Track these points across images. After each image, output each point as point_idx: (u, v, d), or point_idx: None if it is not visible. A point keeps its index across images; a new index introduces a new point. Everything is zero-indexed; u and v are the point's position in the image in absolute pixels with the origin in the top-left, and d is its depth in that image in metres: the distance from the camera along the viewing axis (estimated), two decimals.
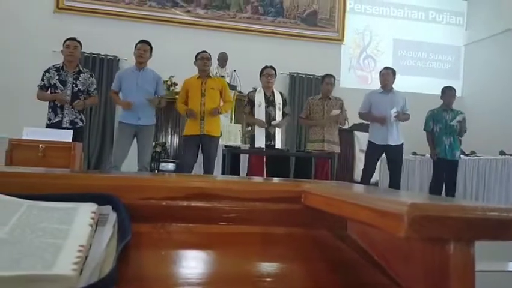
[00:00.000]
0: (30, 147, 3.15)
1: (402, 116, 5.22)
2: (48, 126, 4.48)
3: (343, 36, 8.93)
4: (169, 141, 7.30)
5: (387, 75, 5.30)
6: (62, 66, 4.60)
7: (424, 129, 5.71)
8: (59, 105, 4.51)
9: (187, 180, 0.80)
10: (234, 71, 7.13)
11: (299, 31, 8.67)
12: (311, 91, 8.18)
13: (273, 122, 5.05)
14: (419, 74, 9.27)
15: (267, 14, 8.58)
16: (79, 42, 4.68)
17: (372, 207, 0.48)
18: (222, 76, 6.53)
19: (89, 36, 7.45)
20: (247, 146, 5.62)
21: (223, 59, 7.10)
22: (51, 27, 7.36)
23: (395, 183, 5.26)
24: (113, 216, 0.65)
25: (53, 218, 0.61)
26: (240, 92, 6.90)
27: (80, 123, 4.62)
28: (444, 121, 5.57)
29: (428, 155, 6.31)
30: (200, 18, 8.23)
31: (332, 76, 5.51)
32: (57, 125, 4.43)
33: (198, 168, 5.03)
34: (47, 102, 4.60)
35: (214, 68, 6.94)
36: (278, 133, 5.14)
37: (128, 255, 0.66)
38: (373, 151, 5.27)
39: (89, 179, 0.77)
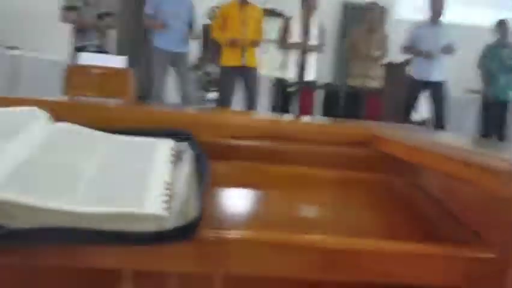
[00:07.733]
0: (86, 74, 3.19)
1: (449, 50, 4.92)
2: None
3: None
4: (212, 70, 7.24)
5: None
6: None
7: (478, 67, 5.41)
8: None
9: (259, 120, 0.80)
10: None
11: None
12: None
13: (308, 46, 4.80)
14: (470, 3, 8.56)
15: None
16: None
17: (468, 162, 0.46)
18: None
19: None
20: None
21: None
22: None
23: (439, 122, 5.11)
24: (190, 154, 0.65)
25: (135, 153, 0.61)
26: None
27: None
28: (499, 58, 5.26)
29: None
30: None
31: None
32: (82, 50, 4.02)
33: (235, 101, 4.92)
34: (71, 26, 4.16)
35: None
36: (312, 63, 4.89)
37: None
38: (412, 86, 5.10)
39: (164, 114, 0.77)
